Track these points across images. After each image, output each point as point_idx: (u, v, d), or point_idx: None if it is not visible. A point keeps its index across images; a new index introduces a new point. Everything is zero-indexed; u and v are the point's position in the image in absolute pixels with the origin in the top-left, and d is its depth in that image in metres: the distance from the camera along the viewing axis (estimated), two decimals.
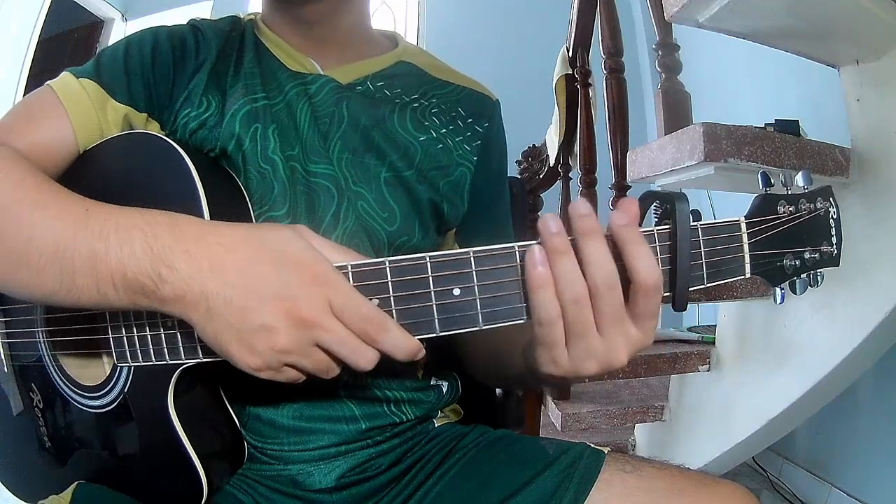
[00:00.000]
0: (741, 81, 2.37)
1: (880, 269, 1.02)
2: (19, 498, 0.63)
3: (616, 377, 1.39)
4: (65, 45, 3.49)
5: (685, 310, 0.41)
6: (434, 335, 0.42)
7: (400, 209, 0.61)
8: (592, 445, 0.58)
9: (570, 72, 1.91)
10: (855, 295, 1.08)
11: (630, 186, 1.49)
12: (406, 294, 0.41)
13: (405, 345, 0.41)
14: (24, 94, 2.82)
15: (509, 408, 0.88)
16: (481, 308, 0.41)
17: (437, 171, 0.63)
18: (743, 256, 0.43)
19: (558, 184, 2.12)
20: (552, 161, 2.08)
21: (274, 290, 0.39)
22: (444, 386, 0.68)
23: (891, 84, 1.03)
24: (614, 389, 1.68)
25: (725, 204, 2.28)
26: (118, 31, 3.59)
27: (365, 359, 0.41)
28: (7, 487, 0.65)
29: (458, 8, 3.64)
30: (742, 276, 0.44)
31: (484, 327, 0.41)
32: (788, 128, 1.10)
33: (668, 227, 0.41)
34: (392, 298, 0.41)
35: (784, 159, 1.02)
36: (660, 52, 1.44)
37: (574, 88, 1.90)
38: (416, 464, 0.61)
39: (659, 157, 1.12)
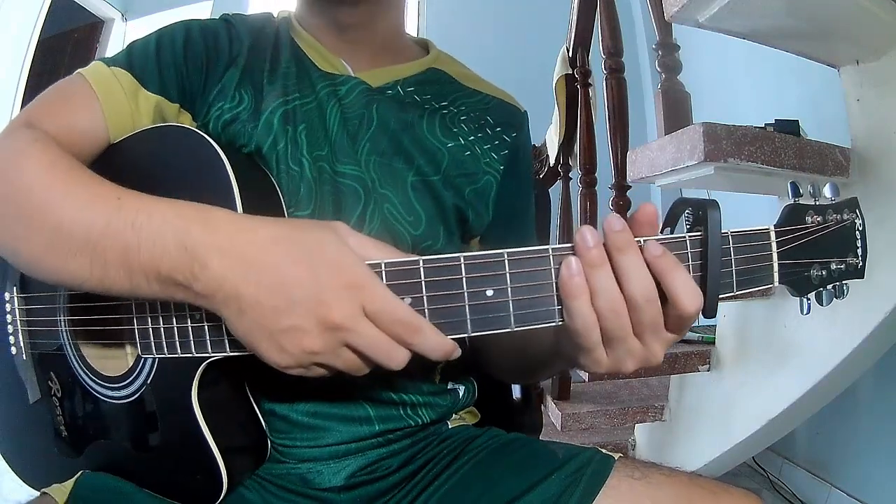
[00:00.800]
0: (741, 81, 2.37)
1: (880, 269, 1.02)
2: (31, 486, 0.63)
3: (616, 377, 1.39)
4: (65, 45, 3.49)
5: (714, 316, 0.42)
6: (466, 335, 0.42)
7: (425, 213, 0.61)
8: (603, 451, 0.57)
9: (570, 72, 1.91)
10: (855, 295, 1.07)
11: (630, 186, 1.49)
12: (439, 294, 0.41)
13: (440, 346, 0.41)
14: (24, 95, 2.82)
15: (527, 413, 0.88)
16: (514, 310, 0.41)
17: (464, 177, 0.64)
18: (772, 265, 0.43)
19: (558, 184, 2.12)
20: (552, 161, 2.08)
21: (307, 292, 0.39)
22: (461, 390, 0.67)
23: (891, 84, 1.03)
24: (614, 389, 1.68)
25: (725, 204, 2.26)
26: (118, 31, 3.59)
27: (396, 360, 0.41)
28: (18, 475, 0.65)
29: (458, 7, 3.64)
30: (770, 286, 0.44)
31: (516, 329, 0.42)
32: (788, 128, 1.10)
33: (699, 233, 0.42)
34: (425, 298, 0.41)
35: (784, 159, 1.02)
36: (660, 52, 1.44)
37: (574, 88, 1.90)
38: (427, 464, 0.61)
39: (659, 157, 1.12)
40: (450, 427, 0.67)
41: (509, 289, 0.41)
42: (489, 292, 0.41)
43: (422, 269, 0.41)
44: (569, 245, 0.41)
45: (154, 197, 0.43)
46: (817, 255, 0.44)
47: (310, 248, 0.40)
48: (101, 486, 0.54)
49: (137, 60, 0.57)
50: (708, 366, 1.44)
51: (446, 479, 0.58)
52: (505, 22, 3.51)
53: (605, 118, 1.58)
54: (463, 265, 0.41)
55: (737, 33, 1.05)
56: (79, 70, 0.56)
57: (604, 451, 0.57)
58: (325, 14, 0.64)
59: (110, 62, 0.57)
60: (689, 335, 1.54)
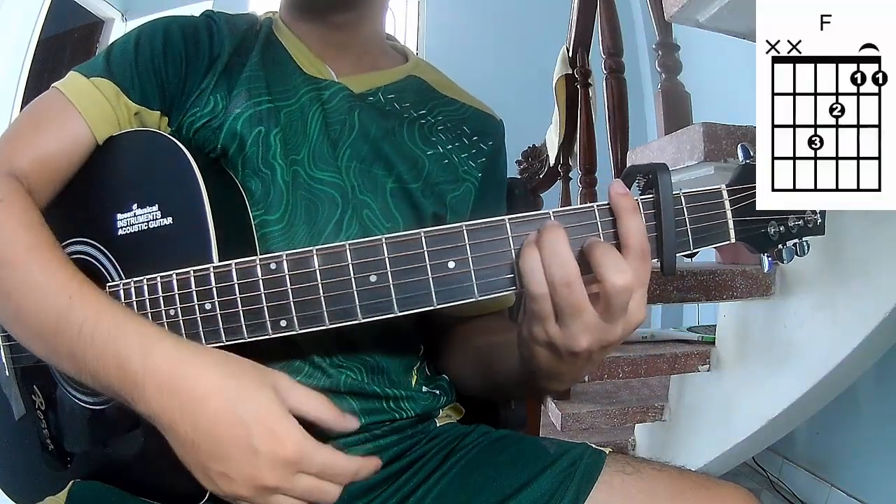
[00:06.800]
0: (741, 81, 2.37)
1: (880, 269, 1.02)
2: None
3: (616, 377, 1.39)
4: (65, 45, 3.49)
5: (674, 273, 0.44)
6: (432, 308, 0.43)
7: (403, 220, 0.62)
8: (594, 446, 0.58)
9: (570, 72, 1.91)
10: (855, 295, 1.08)
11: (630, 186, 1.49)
12: (403, 269, 0.43)
13: (373, 468, 0.46)
14: (24, 95, 2.82)
15: (511, 407, 0.88)
16: (476, 279, 0.43)
17: (445, 185, 0.65)
18: (727, 222, 0.45)
19: (558, 184, 2.12)
20: (552, 161, 2.09)
21: (242, 454, 0.41)
22: (438, 391, 0.68)
23: None
24: (614, 389, 1.67)
25: None
26: (118, 31, 3.59)
27: (331, 497, 0.44)
28: (7, 494, 0.64)
29: (458, 8, 3.64)
30: (728, 242, 0.45)
31: (480, 298, 0.43)
32: None
33: (651, 196, 0.43)
34: (390, 274, 0.43)
35: None
36: (660, 52, 1.44)
37: (574, 88, 1.90)
38: (416, 462, 0.61)
39: (659, 157, 1.13)
40: (438, 425, 0.67)
41: (470, 259, 0.43)
42: (451, 264, 0.43)
43: (384, 245, 0.43)
44: (523, 215, 0.43)
45: (101, 302, 0.45)
46: (773, 212, 0.45)
47: (249, 409, 0.41)
48: (94, 495, 0.55)
49: (117, 68, 0.56)
50: (708, 366, 1.44)
51: (439, 477, 0.59)
52: (505, 22, 3.52)
53: (605, 118, 1.58)
54: (424, 239, 0.43)
55: (737, 33, 1.05)
56: (55, 84, 0.56)
57: (594, 445, 0.58)
58: (314, 14, 0.63)
59: (89, 73, 0.56)
60: (689, 335, 1.54)
